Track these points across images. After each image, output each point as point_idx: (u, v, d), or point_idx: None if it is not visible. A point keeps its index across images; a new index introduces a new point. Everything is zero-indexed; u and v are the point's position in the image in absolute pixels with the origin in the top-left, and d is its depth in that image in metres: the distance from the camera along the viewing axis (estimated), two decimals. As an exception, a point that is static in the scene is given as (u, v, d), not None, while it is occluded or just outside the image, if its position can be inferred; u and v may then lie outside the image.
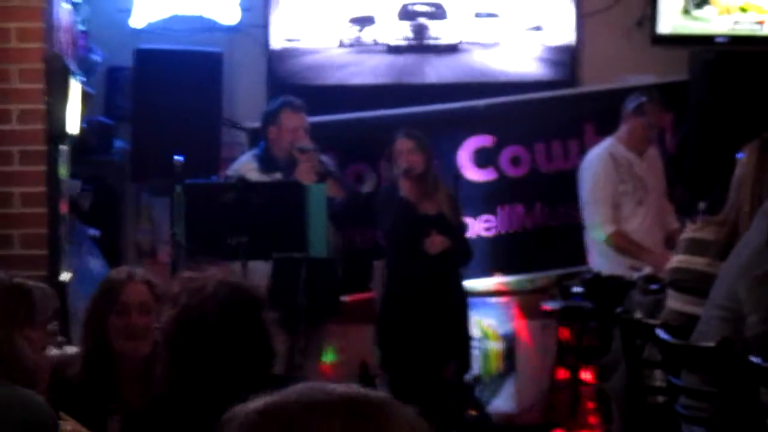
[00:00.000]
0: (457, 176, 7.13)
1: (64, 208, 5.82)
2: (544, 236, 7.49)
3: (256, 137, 6.89)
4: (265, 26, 7.47)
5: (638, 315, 4.70)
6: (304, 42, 7.54)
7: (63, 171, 5.80)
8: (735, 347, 3.69)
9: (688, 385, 4.02)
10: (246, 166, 6.52)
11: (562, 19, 7.61)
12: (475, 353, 7.17)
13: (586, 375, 6.69)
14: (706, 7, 7.60)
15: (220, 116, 6.69)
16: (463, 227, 6.88)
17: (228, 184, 6.02)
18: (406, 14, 7.61)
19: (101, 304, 3.80)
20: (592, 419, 6.65)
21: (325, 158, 6.60)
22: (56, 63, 5.62)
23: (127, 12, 7.11)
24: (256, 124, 6.82)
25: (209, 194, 5.91)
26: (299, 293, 5.85)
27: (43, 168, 5.56)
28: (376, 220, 6.74)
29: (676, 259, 4.53)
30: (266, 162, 6.52)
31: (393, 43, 7.59)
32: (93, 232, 6.61)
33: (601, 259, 6.72)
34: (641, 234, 6.70)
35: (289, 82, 7.41)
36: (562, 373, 6.97)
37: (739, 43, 7.60)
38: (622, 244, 6.66)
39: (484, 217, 7.44)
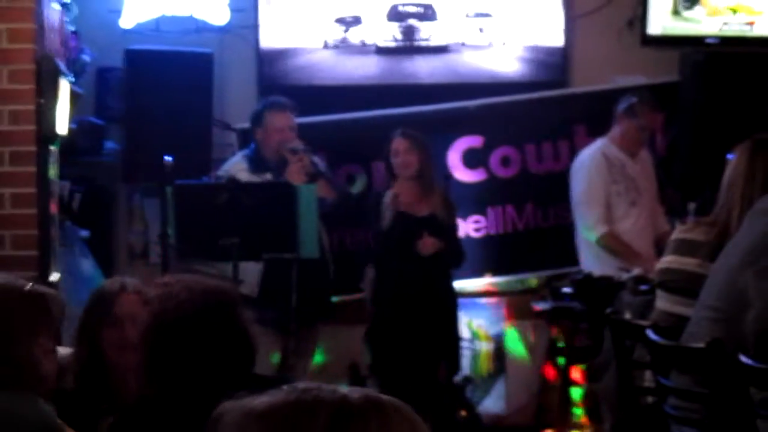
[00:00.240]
0: (447, 177, 7.13)
1: (54, 208, 5.81)
2: (534, 237, 7.49)
3: (246, 138, 6.88)
4: (255, 27, 7.47)
5: (628, 316, 4.71)
6: (294, 43, 7.54)
7: (53, 172, 5.79)
8: (725, 348, 3.70)
9: (678, 386, 4.02)
10: (236, 166, 6.51)
11: (553, 20, 7.61)
12: (466, 354, 7.18)
13: (576, 376, 6.69)
14: (696, 8, 7.61)
15: (211, 117, 6.67)
16: (456, 229, 6.87)
17: (219, 185, 6.02)
18: (396, 15, 7.60)
19: (94, 317, 3.79)
20: (583, 420, 6.66)
21: (316, 159, 6.58)
22: (47, 64, 5.61)
23: (118, 12, 7.09)
24: (247, 125, 6.82)
25: (200, 195, 5.91)
26: (291, 294, 5.85)
27: (33, 169, 5.55)
28: (368, 221, 6.73)
29: (666, 260, 4.52)
30: (256, 163, 6.51)
31: (382, 44, 7.59)
32: (84, 233, 6.60)
33: (591, 260, 6.72)
34: (633, 235, 6.70)
35: (279, 83, 7.41)
36: (553, 374, 6.98)
37: (729, 44, 7.61)
38: (613, 245, 6.66)
39: (474, 217, 7.44)
